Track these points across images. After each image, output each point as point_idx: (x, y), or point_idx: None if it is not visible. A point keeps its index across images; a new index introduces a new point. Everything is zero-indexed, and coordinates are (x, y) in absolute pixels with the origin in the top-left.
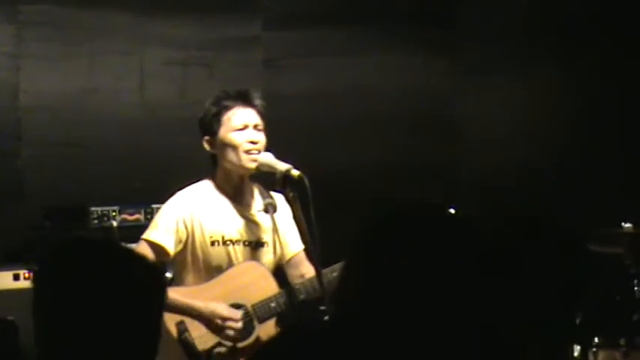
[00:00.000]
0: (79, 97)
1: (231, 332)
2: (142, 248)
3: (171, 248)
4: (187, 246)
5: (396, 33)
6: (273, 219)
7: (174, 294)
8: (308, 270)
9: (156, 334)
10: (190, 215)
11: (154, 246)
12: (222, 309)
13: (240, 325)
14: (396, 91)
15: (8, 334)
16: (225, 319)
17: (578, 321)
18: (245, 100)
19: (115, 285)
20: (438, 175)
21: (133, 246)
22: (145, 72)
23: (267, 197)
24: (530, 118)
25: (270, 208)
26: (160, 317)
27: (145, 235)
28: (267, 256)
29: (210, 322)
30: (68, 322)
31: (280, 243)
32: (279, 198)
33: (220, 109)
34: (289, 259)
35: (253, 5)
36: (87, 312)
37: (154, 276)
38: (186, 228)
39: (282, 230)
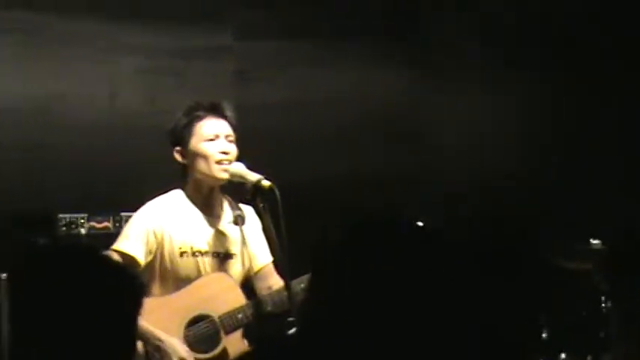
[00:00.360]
0: (48, 102)
1: None
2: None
3: (141, 259)
4: (157, 256)
5: (368, 44)
6: (242, 231)
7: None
8: (276, 282)
9: (132, 339)
10: (160, 226)
11: (124, 256)
12: (182, 350)
13: None
14: (368, 101)
15: None
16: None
17: (544, 336)
18: (217, 111)
19: (88, 290)
20: (409, 186)
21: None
22: (115, 79)
23: (236, 209)
24: (501, 127)
25: (239, 220)
26: (135, 322)
27: (115, 246)
28: (236, 267)
29: (165, 355)
30: (43, 329)
31: (249, 255)
32: (248, 210)
33: (192, 119)
34: (257, 272)
35: (225, 15)
36: (62, 318)
37: (128, 280)
38: (156, 238)
39: (251, 242)
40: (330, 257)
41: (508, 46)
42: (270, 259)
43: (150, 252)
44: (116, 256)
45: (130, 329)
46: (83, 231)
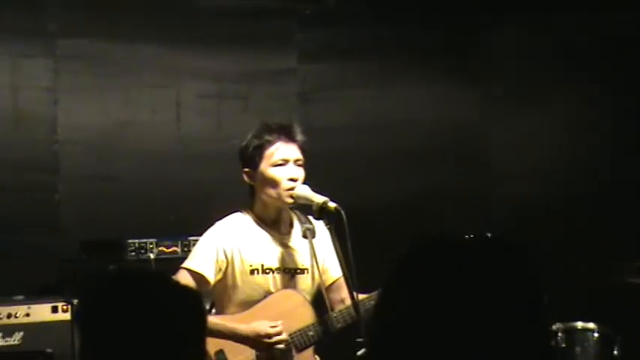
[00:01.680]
0: (115, 130)
1: (280, 346)
2: (183, 277)
3: (211, 277)
4: (227, 275)
5: (428, 64)
6: (311, 244)
7: (217, 319)
8: (348, 295)
9: (200, 357)
10: (230, 245)
11: (194, 275)
12: (264, 326)
13: (285, 336)
14: (428, 122)
15: None
16: (269, 335)
17: (615, 354)
18: (288, 135)
19: (157, 313)
20: (468, 206)
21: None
22: (180, 105)
23: (305, 223)
24: (559, 146)
25: (308, 234)
26: (203, 342)
27: (185, 264)
28: (306, 282)
29: (256, 343)
30: (114, 353)
31: (319, 269)
32: (317, 223)
33: (263, 143)
34: (330, 284)
35: (287, 38)
36: (132, 342)
37: (193, 300)
38: (225, 257)
39: (322, 256)
40: (398, 274)
41: (570, 63)
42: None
43: (219, 270)
44: (186, 274)
45: (197, 348)
46: (152, 256)
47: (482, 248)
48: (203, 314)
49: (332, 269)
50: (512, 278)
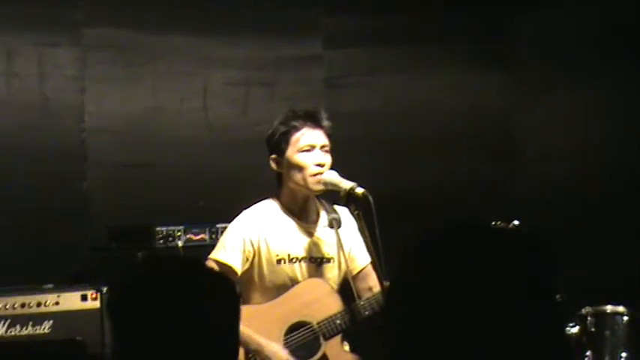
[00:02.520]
0: (143, 118)
1: None
2: None
3: (238, 267)
4: (254, 264)
5: (455, 49)
6: (337, 234)
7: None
8: (375, 283)
9: (234, 347)
10: (257, 234)
11: (222, 266)
12: (283, 354)
13: None
14: (456, 107)
15: (77, 353)
16: None
17: None
18: (314, 121)
19: (189, 299)
20: (498, 192)
21: None
22: (207, 92)
23: (331, 212)
24: (591, 132)
25: (334, 223)
26: (236, 330)
27: (212, 255)
28: (333, 271)
29: (267, 358)
30: (145, 340)
31: (345, 258)
32: (343, 212)
33: (289, 129)
34: (357, 273)
35: (313, 24)
36: (163, 329)
37: (227, 288)
38: (252, 247)
39: (348, 245)
40: (410, 262)
41: (601, 49)
42: (369, 259)
43: (247, 260)
44: (214, 266)
45: (232, 337)
46: (180, 243)
47: (495, 240)
48: (237, 303)
49: (359, 258)
50: (523, 272)
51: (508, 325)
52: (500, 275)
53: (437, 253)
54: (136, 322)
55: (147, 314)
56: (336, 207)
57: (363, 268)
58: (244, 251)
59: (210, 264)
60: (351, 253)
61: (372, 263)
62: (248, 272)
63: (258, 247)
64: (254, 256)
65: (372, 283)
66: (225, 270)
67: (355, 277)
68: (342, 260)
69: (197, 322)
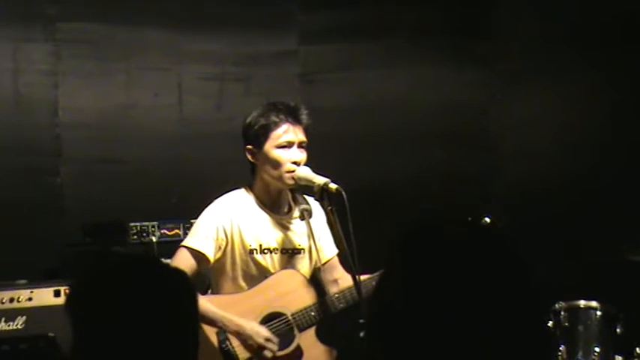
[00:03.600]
0: (117, 113)
1: (269, 354)
2: (183, 255)
3: (211, 255)
4: (227, 253)
5: (431, 45)
6: (309, 224)
7: (213, 304)
8: (341, 275)
9: (194, 343)
10: (230, 223)
11: (194, 253)
12: (265, 331)
13: (276, 348)
14: (432, 102)
15: (49, 350)
16: (268, 339)
17: (619, 331)
18: (294, 117)
19: (146, 297)
20: (473, 187)
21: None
22: (182, 87)
23: (302, 203)
24: (567, 128)
25: (305, 214)
26: (196, 325)
27: (184, 243)
28: (304, 262)
29: (248, 338)
30: (105, 337)
31: (316, 248)
32: (313, 203)
33: (269, 124)
34: (324, 264)
35: (288, 20)
36: (122, 326)
37: (182, 285)
38: (225, 235)
39: (318, 235)
40: (398, 255)
41: (577, 44)
42: (336, 251)
43: (219, 248)
44: (186, 253)
45: (188, 331)
46: (154, 238)
47: (472, 235)
48: (194, 297)
49: (326, 249)
50: (501, 264)
51: (488, 316)
52: (480, 270)
53: (420, 248)
54: (91, 318)
55: (100, 312)
56: (306, 197)
57: (329, 260)
58: (217, 239)
59: (183, 251)
60: (319, 244)
61: (340, 256)
62: (220, 261)
63: (232, 236)
64: (227, 245)
65: (337, 275)
66: (198, 257)
67: (321, 267)
68: (314, 250)
69: (152, 317)
